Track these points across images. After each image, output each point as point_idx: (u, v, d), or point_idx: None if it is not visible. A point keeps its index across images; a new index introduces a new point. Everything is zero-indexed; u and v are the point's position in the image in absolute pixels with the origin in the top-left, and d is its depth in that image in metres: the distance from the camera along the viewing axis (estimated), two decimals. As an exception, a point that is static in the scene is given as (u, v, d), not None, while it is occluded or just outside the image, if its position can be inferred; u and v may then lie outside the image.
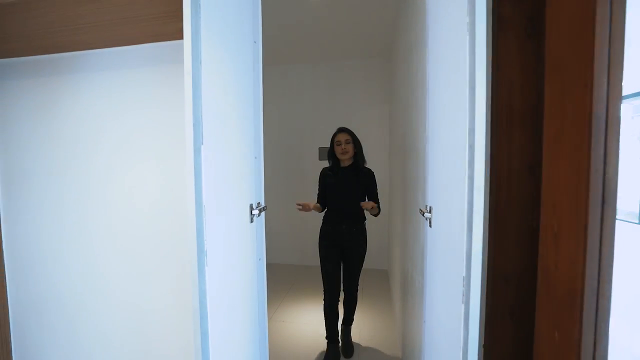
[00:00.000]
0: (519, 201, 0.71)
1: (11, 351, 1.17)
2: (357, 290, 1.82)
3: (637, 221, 4.80)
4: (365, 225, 1.81)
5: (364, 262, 1.81)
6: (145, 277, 1.06)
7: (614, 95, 0.46)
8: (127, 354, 1.10)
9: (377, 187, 1.79)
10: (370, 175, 1.77)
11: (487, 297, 0.77)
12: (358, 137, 1.78)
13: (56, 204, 1.10)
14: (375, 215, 1.76)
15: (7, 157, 1.13)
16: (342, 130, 1.78)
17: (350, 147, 1.73)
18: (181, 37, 0.88)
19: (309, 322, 2.17)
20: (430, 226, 0.88)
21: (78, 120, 1.07)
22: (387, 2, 2.27)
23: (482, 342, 0.79)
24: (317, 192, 1.83)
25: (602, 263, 0.49)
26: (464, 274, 0.63)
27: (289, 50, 3.13)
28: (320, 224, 1.82)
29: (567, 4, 0.54)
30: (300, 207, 1.67)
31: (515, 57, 0.70)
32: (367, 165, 1.81)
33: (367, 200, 1.77)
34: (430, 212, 0.86)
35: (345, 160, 1.76)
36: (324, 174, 1.82)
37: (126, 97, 1.01)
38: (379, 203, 1.75)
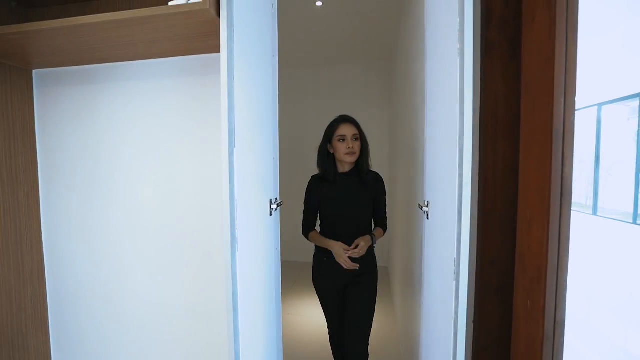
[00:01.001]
0: (502, 197, 0.85)
1: (49, 333, 1.30)
2: (367, 352, 1.31)
3: (632, 221, 4.94)
4: (374, 250, 1.36)
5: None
6: (170, 267, 1.19)
7: (569, 113, 0.60)
8: (150, 341, 1.23)
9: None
10: (380, 182, 1.35)
11: (476, 279, 0.91)
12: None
13: (91, 200, 1.24)
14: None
15: (47, 157, 1.26)
16: (346, 120, 1.30)
17: (357, 146, 1.28)
18: (210, 51, 1.03)
19: (312, 315, 2.30)
20: (427, 218, 1.02)
21: (112, 124, 1.20)
22: (389, 11, 2.42)
23: (472, 319, 0.94)
24: (305, 210, 1.37)
25: (561, 243, 0.63)
26: (455, 256, 0.76)
27: (293, 54, 3.27)
28: (313, 251, 1.39)
29: (536, 42, 0.68)
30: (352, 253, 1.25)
31: (500, 75, 0.84)
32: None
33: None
34: (427, 206, 1.00)
35: (348, 164, 1.31)
36: (316, 186, 1.35)
37: (159, 104, 1.15)
38: (386, 219, 1.38)
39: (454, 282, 0.77)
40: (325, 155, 1.32)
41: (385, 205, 1.38)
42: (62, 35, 0.94)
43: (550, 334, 0.63)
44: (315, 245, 1.38)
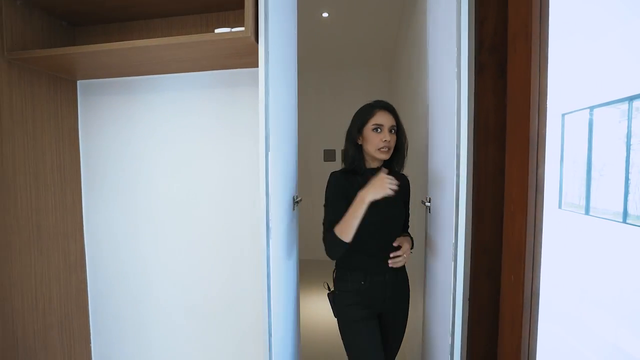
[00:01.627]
0: (492, 193, 1.03)
1: (89, 317, 1.46)
2: None
3: (622, 220, 5.17)
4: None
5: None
6: (203, 258, 1.36)
7: (542, 125, 0.78)
8: (182, 325, 1.39)
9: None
10: (408, 184, 1.19)
11: (470, 264, 1.09)
12: None
13: (128, 198, 1.40)
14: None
15: (89, 159, 1.42)
16: (385, 106, 1.08)
17: (394, 140, 1.08)
18: (242, 67, 1.19)
19: (317, 308, 2.47)
20: (429, 212, 1.19)
21: (150, 130, 1.37)
22: (389, 21, 2.60)
23: (468, 296, 1.11)
24: (328, 212, 1.08)
25: (536, 229, 0.80)
26: (453, 242, 0.94)
27: (299, 59, 3.44)
28: (334, 273, 1.15)
29: (517, 67, 0.86)
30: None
31: (490, 92, 1.01)
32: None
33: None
34: (429, 201, 1.18)
35: (378, 161, 1.11)
36: (343, 183, 1.07)
37: (194, 112, 1.31)
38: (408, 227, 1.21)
39: (453, 263, 0.94)
40: (354, 146, 1.09)
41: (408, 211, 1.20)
42: (109, 55, 1.11)
43: (528, 301, 0.80)
44: (337, 264, 1.14)
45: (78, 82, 1.41)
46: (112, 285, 1.45)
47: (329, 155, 4.08)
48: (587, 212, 5.54)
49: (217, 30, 0.99)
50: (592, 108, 5.64)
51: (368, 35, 2.87)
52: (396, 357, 1.24)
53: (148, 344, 1.44)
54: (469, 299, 1.11)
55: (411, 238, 1.16)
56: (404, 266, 1.13)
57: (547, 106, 0.77)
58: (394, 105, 1.13)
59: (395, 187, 0.96)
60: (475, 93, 1.05)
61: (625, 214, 4.88)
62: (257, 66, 1.06)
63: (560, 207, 6.23)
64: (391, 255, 1.07)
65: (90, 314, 1.46)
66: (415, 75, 1.76)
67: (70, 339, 1.37)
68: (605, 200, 5.25)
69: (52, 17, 1.27)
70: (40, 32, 1.22)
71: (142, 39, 1.27)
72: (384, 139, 1.04)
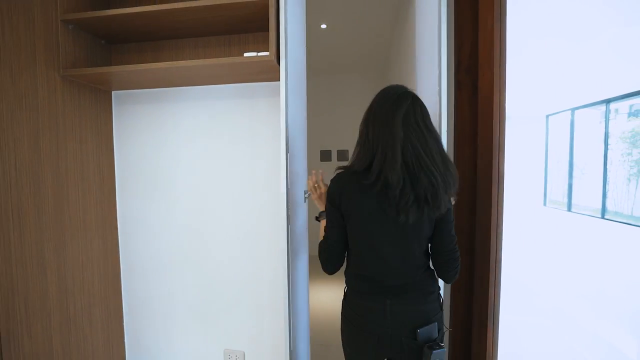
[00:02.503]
0: (468, 186, 1.28)
1: (122, 298, 1.67)
2: None
3: (600, 216, 5.54)
4: (438, 294, 0.97)
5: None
6: (227, 241, 1.58)
7: (502, 132, 1.03)
8: (207, 302, 1.62)
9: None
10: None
11: (457, 225, 1.34)
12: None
13: (156, 194, 1.62)
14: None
15: (122, 162, 1.64)
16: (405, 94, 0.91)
17: None
18: (261, 81, 1.42)
19: (323, 299, 2.71)
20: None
21: (177, 135, 1.59)
22: (382, 31, 2.86)
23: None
24: (324, 218, 1.04)
25: (499, 211, 1.06)
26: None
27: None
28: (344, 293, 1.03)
29: (485, 87, 1.11)
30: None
31: (467, 105, 1.27)
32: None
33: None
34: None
35: None
36: (345, 190, 0.92)
37: (218, 120, 1.54)
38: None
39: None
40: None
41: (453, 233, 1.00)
42: (141, 73, 1.33)
43: (494, 266, 1.06)
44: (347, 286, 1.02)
45: (113, 92, 1.62)
46: (141, 270, 1.66)
47: (325, 156, 4.36)
48: (569, 208, 5.91)
49: (245, 54, 1.22)
50: (573, 110, 6.02)
51: (362, 44, 3.13)
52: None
53: (172, 323, 1.65)
54: (451, 274, 1.36)
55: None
56: (427, 291, 0.95)
57: (506, 118, 1.02)
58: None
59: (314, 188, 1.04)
60: (455, 106, 1.30)
61: (603, 210, 5.25)
62: (274, 80, 1.30)
63: (545, 204, 6.60)
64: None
65: (123, 295, 1.67)
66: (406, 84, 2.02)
67: (108, 317, 1.59)
68: (586, 198, 5.61)
69: (94, 37, 1.48)
70: (84, 50, 1.43)
71: (171, 55, 1.51)
72: None
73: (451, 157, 1.28)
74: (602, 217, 5.18)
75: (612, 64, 3.99)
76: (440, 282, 1.01)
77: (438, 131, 1.17)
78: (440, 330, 0.91)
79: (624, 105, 5.17)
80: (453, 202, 0.91)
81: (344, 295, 1.00)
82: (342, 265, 0.99)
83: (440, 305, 0.95)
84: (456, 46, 1.30)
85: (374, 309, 0.90)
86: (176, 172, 1.60)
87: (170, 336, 1.67)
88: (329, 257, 0.97)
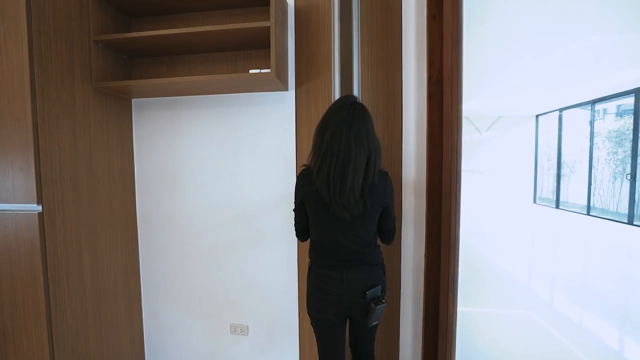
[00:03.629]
0: (436, 177, 1.55)
1: (140, 277, 1.93)
2: (373, 351, 1.35)
3: (586, 212, 5.84)
4: (382, 267, 1.26)
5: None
6: (233, 235, 1.84)
7: (459, 137, 1.29)
8: (217, 288, 1.87)
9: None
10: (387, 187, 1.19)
11: (426, 228, 1.60)
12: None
13: (170, 190, 1.87)
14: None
15: (141, 161, 1.89)
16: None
17: None
18: (264, 91, 1.67)
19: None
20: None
21: (191, 138, 1.84)
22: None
23: (424, 252, 1.62)
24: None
25: (458, 192, 1.32)
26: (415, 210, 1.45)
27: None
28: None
29: (447, 97, 1.38)
30: None
31: (436, 112, 1.53)
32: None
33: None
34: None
35: None
36: (304, 184, 1.20)
37: (227, 125, 1.79)
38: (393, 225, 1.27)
39: (413, 227, 1.46)
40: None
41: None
42: (158, 87, 1.58)
43: (454, 241, 1.32)
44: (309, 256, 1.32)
45: (132, 100, 1.88)
46: (157, 255, 1.92)
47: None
48: (557, 206, 6.18)
49: (251, 71, 1.48)
50: (561, 110, 6.30)
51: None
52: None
53: (184, 300, 1.91)
54: (425, 255, 1.63)
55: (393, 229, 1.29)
56: (372, 260, 1.23)
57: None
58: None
59: None
60: (427, 112, 1.56)
61: (589, 207, 5.53)
62: (274, 90, 1.56)
63: (534, 202, 6.88)
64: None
65: (141, 275, 1.93)
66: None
67: (130, 294, 1.84)
68: (574, 195, 5.88)
69: (117, 52, 1.73)
70: (110, 64, 1.68)
71: (185, 69, 1.77)
72: None
73: (426, 152, 1.55)
74: (588, 214, 5.46)
75: (599, 65, 4.23)
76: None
77: (413, 134, 1.44)
78: (382, 290, 1.23)
79: (611, 105, 5.44)
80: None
81: (309, 268, 1.29)
82: (308, 237, 1.30)
83: (384, 272, 1.26)
84: (428, 64, 1.56)
85: (334, 277, 1.19)
86: (188, 170, 1.86)
87: (182, 311, 1.93)
88: (297, 232, 1.34)
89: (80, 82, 1.52)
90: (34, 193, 1.32)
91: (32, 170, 1.31)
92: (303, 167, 1.22)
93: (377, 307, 1.16)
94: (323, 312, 1.23)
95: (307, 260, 1.35)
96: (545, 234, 5.81)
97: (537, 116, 6.89)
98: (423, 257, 1.62)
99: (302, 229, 1.31)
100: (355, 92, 1.66)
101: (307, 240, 1.33)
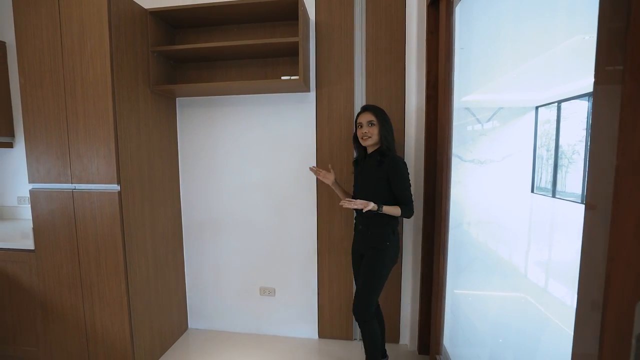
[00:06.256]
0: (433, 164, 1.92)
1: (183, 251, 2.33)
2: (365, 315, 1.62)
3: (580, 201, 6.26)
4: (388, 231, 1.63)
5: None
6: (261, 217, 2.23)
7: (449, 133, 1.66)
8: (249, 262, 2.27)
9: (407, 181, 1.59)
10: (393, 164, 1.57)
11: (424, 207, 1.98)
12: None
13: (207, 176, 2.26)
14: (406, 217, 1.61)
15: (184, 153, 2.28)
16: (365, 109, 1.65)
17: (374, 130, 1.61)
18: (292, 92, 2.05)
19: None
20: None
21: (227, 133, 2.22)
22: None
23: (421, 226, 2.01)
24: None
25: (448, 189, 1.70)
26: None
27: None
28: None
29: (441, 99, 1.75)
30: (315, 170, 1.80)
31: (433, 112, 1.90)
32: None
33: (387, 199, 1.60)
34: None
35: (369, 146, 1.66)
36: (354, 166, 1.79)
37: (258, 121, 2.17)
38: (409, 201, 1.60)
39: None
40: (355, 139, 1.72)
41: (403, 188, 1.58)
42: (199, 90, 1.95)
43: (445, 215, 1.71)
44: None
45: (177, 99, 2.25)
46: (197, 229, 2.32)
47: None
48: (553, 195, 6.56)
49: (282, 77, 1.85)
50: (560, 102, 6.60)
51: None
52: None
53: (220, 267, 2.32)
54: (422, 229, 2.02)
55: (379, 205, 1.57)
56: (377, 230, 1.63)
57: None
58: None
59: (344, 205, 1.57)
60: (426, 112, 1.93)
61: (583, 195, 5.89)
62: (300, 92, 1.93)
63: (532, 191, 7.25)
64: (344, 201, 1.59)
65: (184, 246, 2.34)
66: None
67: (176, 265, 2.25)
68: (570, 185, 6.26)
69: (166, 59, 2.10)
70: (162, 70, 2.05)
71: (222, 73, 2.14)
72: (363, 132, 1.64)
73: (423, 145, 1.92)
74: (582, 202, 5.83)
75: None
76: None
77: (415, 129, 1.82)
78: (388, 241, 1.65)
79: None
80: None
81: (394, 235, 1.66)
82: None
83: (393, 231, 1.66)
84: (426, 71, 1.92)
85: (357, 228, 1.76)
86: (223, 158, 2.24)
87: (219, 276, 2.34)
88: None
89: (142, 85, 1.89)
90: (115, 175, 1.71)
91: (113, 157, 1.70)
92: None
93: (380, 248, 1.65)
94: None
95: (324, 234, 1.74)
96: (541, 221, 6.17)
97: (536, 107, 7.21)
98: (421, 230, 2.01)
99: None
100: (364, 94, 2.03)
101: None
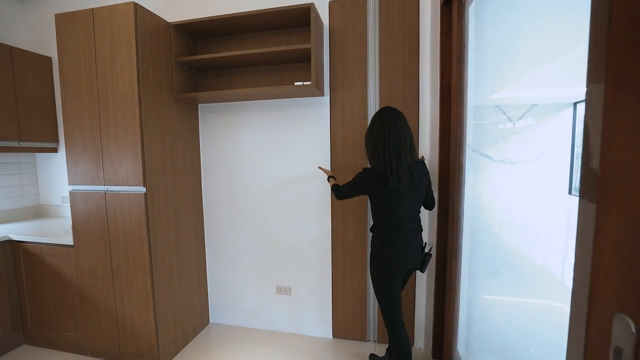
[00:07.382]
0: (446, 159, 1.90)
1: (205, 246, 2.47)
2: (385, 321, 1.73)
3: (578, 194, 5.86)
4: (374, 237, 1.72)
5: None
6: (279, 209, 2.31)
7: (461, 134, 1.65)
8: (265, 255, 2.36)
9: (352, 181, 1.72)
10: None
11: (438, 209, 1.97)
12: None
13: (227, 174, 2.37)
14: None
15: (206, 154, 2.41)
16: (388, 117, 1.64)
17: None
18: (304, 96, 2.11)
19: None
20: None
21: (245, 134, 2.32)
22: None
23: (436, 229, 2.00)
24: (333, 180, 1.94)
25: (461, 186, 1.68)
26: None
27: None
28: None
29: (454, 100, 1.73)
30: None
31: (446, 113, 1.88)
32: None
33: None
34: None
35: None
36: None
37: (273, 124, 2.25)
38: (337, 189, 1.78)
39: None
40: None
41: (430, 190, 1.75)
42: (219, 97, 2.06)
43: (457, 217, 1.69)
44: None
45: (199, 105, 2.39)
46: (218, 229, 2.45)
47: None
48: (569, 192, 6.13)
49: (296, 83, 1.92)
50: (575, 104, 6.15)
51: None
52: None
53: (239, 266, 2.43)
54: (436, 230, 2.00)
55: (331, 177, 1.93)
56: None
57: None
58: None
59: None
60: (440, 112, 1.92)
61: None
62: (312, 96, 1.98)
63: (570, 192, 6.82)
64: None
65: (206, 246, 2.48)
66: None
67: (198, 258, 2.39)
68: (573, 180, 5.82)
69: (188, 68, 2.23)
70: (183, 78, 2.19)
71: (240, 80, 2.24)
72: None
73: (438, 141, 1.91)
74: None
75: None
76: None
77: (430, 126, 1.82)
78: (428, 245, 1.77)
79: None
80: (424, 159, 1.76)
81: (381, 242, 1.65)
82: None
83: (377, 238, 1.70)
84: (440, 73, 1.90)
85: (405, 244, 1.62)
86: (242, 161, 2.35)
87: (237, 274, 2.45)
88: (341, 197, 1.79)
89: (166, 93, 2.04)
90: (141, 178, 1.86)
91: (140, 161, 1.84)
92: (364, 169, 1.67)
93: (427, 256, 1.67)
94: (396, 271, 1.65)
95: (338, 235, 1.78)
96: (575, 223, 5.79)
97: (574, 104, 6.77)
98: (435, 234, 2.00)
99: (348, 198, 1.81)
100: (378, 97, 2.04)
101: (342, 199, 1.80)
